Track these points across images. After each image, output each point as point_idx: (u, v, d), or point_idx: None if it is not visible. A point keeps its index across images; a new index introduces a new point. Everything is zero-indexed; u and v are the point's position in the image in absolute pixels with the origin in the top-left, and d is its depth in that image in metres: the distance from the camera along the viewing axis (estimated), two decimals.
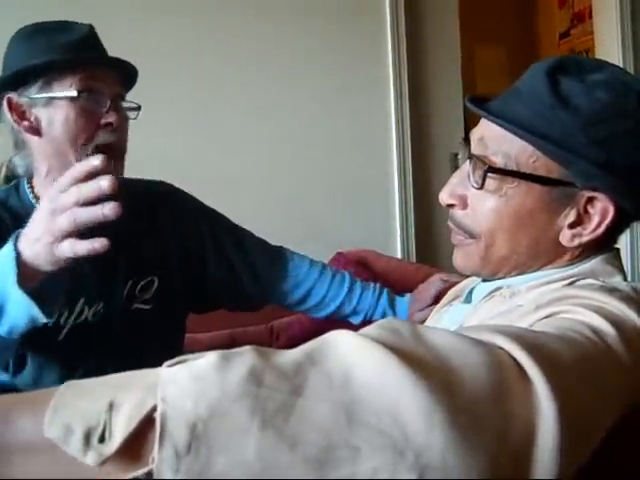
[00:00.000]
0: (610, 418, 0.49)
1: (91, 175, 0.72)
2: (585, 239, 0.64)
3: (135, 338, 1.03)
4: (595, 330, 0.51)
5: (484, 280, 0.73)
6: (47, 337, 0.99)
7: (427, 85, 2.25)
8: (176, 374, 0.40)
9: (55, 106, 0.97)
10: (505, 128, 0.64)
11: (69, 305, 1.01)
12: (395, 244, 2.17)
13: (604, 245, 0.67)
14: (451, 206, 0.71)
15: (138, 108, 1.05)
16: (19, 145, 1.02)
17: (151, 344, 1.03)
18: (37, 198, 1.03)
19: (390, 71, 2.14)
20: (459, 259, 0.72)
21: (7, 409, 0.42)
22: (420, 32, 2.23)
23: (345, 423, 0.38)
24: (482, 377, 0.42)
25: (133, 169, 1.05)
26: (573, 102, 0.61)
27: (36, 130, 0.99)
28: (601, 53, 2.57)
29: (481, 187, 0.65)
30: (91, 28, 1.02)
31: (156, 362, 0.43)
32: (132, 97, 1.05)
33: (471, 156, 0.67)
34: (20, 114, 1.00)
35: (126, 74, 1.04)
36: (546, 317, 0.55)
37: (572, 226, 0.64)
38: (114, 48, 1.02)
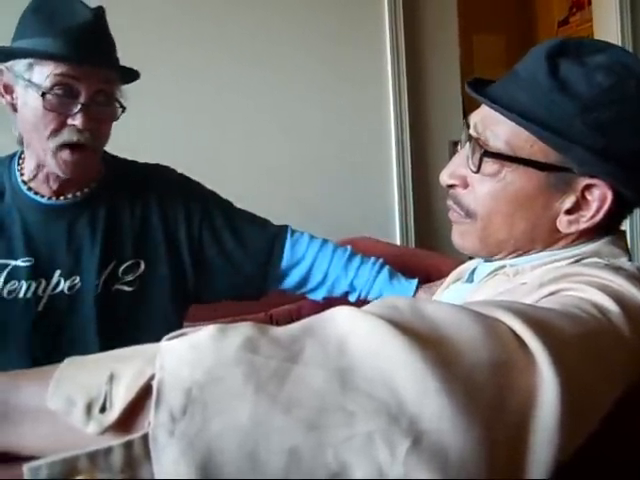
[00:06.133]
0: (612, 396, 0.48)
1: None
2: (582, 226, 0.63)
3: (116, 318, 1.05)
4: (599, 307, 0.51)
5: (486, 260, 0.73)
6: (29, 306, 1.03)
7: (425, 73, 2.24)
8: (175, 345, 0.41)
9: (30, 92, 0.96)
10: (504, 115, 0.64)
11: (45, 277, 1.04)
12: (394, 230, 2.17)
13: (604, 231, 0.66)
14: (451, 187, 0.71)
15: (122, 109, 1.02)
16: (10, 116, 1.03)
17: (136, 327, 1.05)
18: (22, 174, 1.06)
19: (388, 60, 2.13)
20: (457, 237, 0.72)
21: (15, 377, 0.43)
22: (418, 21, 2.22)
23: (339, 389, 0.38)
24: (479, 348, 0.42)
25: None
26: (572, 86, 0.60)
27: (14, 107, 1.00)
28: None
29: (477, 171, 0.65)
30: (97, 14, 0.97)
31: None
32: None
33: (470, 138, 0.67)
34: (5, 87, 1.00)
35: (119, 72, 1.01)
36: (550, 294, 0.55)
37: (569, 212, 0.63)
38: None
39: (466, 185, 0.69)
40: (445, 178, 0.70)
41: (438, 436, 0.37)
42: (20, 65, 0.96)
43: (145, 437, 0.37)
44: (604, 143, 0.60)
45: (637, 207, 0.68)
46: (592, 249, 0.65)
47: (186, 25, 1.91)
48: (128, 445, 0.37)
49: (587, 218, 0.63)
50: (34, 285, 1.03)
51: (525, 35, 3.67)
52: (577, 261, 0.63)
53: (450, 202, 0.71)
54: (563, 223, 0.64)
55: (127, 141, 1.06)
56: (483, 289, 0.68)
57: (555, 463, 0.41)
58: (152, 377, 0.39)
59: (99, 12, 0.99)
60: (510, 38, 3.62)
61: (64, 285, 1.04)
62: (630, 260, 0.65)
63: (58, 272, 1.04)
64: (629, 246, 0.68)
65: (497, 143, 0.64)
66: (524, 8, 3.77)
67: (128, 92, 1.04)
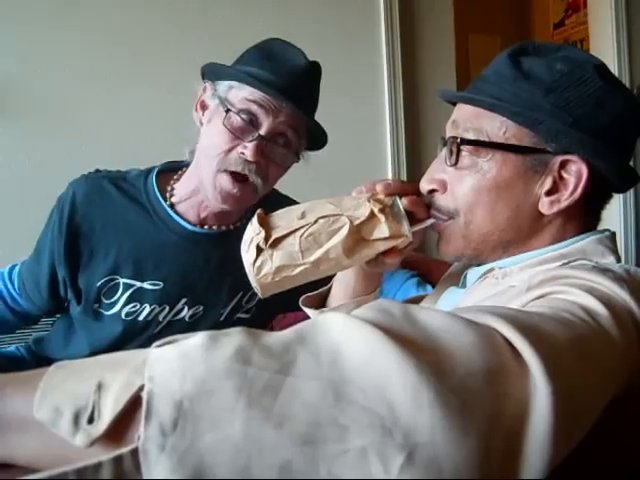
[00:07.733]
0: (604, 399, 0.49)
1: None
2: (564, 204, 0.65)
3: None
4: (588, 311, 0.51)
5: (477, 264, 0.73)
6: (146, 329, 1.03)
7: (421, 74, 2.24)
8: (164, 353, 0.40)
9: (218, 110, 0.96)
10: (473, 102, 0.66)
11: (170, 303, 1.02)
12: None
13: (587, 218, 0.68)
14: (432, 193, 0.72)
15: (296, 159, 1.02)
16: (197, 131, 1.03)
17: None
18: (162, 193, 1.04)
19: (384, 60, 2.13)
20: (442, 245, 0.73)
21: (1, 386, 0.41)
22: (414, 21, 2.22)
23: (333, 402, 0.37)
24: (474, 357, 0.41)
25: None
26: (535, 75, 0.64)
27: (202, 123, 1.01)
28: (595, 43, 2.56)
29: (456, 163, 0.67)
30: (312, 66, 0.98)
31: None
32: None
33: (446, 141, 0.69)
34: (202, 103, 1.01)
35: (309, 129, 1.01)
36: (538, 297, 0.55)
37: (549, 193, 0.65)
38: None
39: (445, 189, 0.70)
40: (425, 185, 0.72)
41: (432, 449, 0.37)
42: (221, 85, 0.97)
43: (135, 451, 0.36)
44: (572, 119, 0.62)
45: (615, 190, 0.70)
46: (579, 247, 0.66)
47: (179, 37, 1.90)
48: (118, 460, 0.36)
49: (567, 196, 0.64)
50: (157, 310, 1.02)
51: (521, 36, 3.67)
52: (565, 263, 0.64)
53: (432, 211, 0.71)
54: (545, 205, 0.65)
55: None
56: (474, 293, 0.68)
57: (548, 467, 0.41)
58: (141, 388, 0.38)
59: (316, 65, 0.99)
60: (506, 39, 3.62)
61: (187, 313, 1.03)
62: (619, 260, 0.66)
63: (184, 300, 1.03)
64: (622, 247, 0.69)
65: (471, 134, 0.66)
66: (520, 9, 3.78)
67: None
